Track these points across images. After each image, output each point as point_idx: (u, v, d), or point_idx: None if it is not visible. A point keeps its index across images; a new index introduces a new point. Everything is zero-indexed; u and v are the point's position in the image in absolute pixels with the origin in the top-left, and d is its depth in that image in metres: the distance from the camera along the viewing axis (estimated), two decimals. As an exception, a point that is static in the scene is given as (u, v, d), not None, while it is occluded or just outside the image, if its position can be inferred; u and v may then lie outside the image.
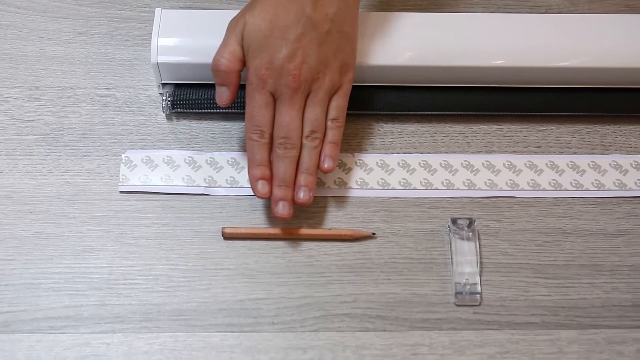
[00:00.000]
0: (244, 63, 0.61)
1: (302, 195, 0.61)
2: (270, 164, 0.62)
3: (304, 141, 0.62)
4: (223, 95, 0.63)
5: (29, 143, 0.66)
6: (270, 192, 0.61)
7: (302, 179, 0.61)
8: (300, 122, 0.62)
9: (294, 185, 0.61)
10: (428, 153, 0.68)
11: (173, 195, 0.65)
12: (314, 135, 0.62)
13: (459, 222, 0.63)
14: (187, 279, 0.60)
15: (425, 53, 0.67)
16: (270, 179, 0.61)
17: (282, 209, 0.61)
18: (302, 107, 0.62)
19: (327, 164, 0.62)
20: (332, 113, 0.63)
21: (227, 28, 0.62)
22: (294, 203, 0.61)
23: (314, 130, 0.62)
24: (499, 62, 0.67)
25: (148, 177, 0.65)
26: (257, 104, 0.61)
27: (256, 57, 0.60)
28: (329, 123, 0.63)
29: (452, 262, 0.61)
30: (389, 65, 0.67)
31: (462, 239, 0.62)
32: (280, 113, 0.61)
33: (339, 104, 0.63)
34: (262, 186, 0.61)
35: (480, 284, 0.60)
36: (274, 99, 0.61)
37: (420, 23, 0.68)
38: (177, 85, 0.69)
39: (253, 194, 0.62)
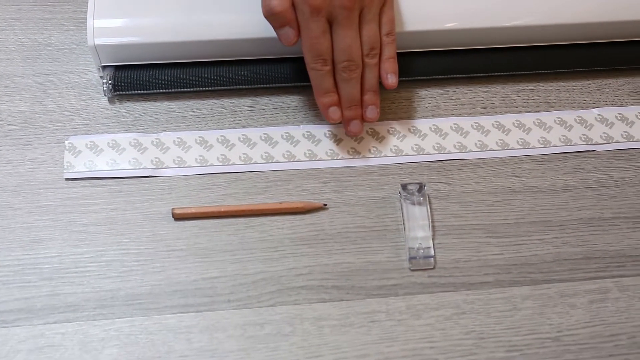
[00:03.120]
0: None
1: (370, 113, 0.64)
2: (336, 88, 0.63)
3: (365, 60, 0.63)
4: (289, 36, 0.61)
5: (-32, 135, 0.65)
6: (342, 115, 0.64)
7: (368, 97, 0.64)
8: (359, 42, 0.62)
9: (361, 102, 0.64)
10: (376, 121, 0.68)
11: (120, 179, 0.64)
12: (373, 52, 0.63)
13: (409, 187, 0.63)
14: (139, 262, 0.60)
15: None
16: (339, 104, 0.63)
17: (355, 126, 0.64)
18: (358, 25, 0.61)
19: (390, 80, 0.64)
20: (386, 28, 0.63)
21: None
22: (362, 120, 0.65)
23: (373, 47, 0.62)
24: (445, 26, 0.67)
25: (93, 162, 0.64)
26: (314, 32, 0.60)
27: None
28: (384, 38, 0.63)
29: (404, 228, 0.62)
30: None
31: (413, 204, 0.62)
32: (339, 36, 0.60)
33: (390, 16, 0.63)
34: (334, 112, 0.63)
35: (434, 248, 0.61)
36: (329, 23, 0.60)
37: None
38: (117, 67, 0.67)
39: (325, 120, 0.64)
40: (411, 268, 0.60)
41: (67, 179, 0.63)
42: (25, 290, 0.58)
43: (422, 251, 0.60)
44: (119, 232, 0.61)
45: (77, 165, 0.64)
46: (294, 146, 0.66)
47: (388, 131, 0.67)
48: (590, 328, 0.58)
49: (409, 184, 0.63)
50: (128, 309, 0.58)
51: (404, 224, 0.62)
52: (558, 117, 0.69)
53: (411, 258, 0.60)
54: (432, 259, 0.60)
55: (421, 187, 0.63)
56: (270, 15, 0.60)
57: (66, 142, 0.65)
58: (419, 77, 0.70)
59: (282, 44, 0.61)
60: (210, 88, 0.68)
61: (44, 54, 0.70)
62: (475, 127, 0.68)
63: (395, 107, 0.69)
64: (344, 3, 0.59)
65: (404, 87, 0.69)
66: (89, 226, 0.61)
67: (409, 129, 0.67)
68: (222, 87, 0.68)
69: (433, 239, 0.61)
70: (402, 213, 0.62)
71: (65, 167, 0.64)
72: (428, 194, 0.63)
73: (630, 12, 0.69)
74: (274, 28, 0.61)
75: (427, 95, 0.70)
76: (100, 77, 0.67)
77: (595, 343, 0.58)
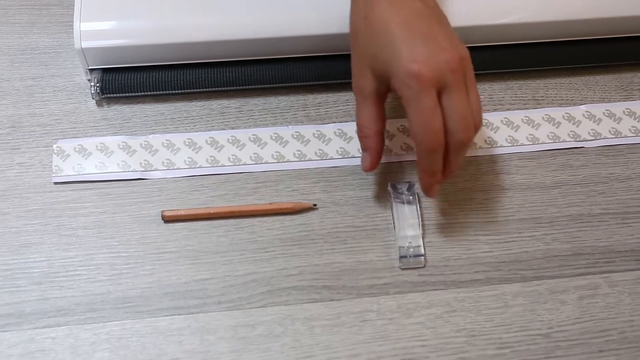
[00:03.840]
0: (381, 103, 0.59)
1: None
2: None
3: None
4: (366, 164, 0.60)
5: (-45, 140, 0.65)
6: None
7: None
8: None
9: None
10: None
11: (109, 182, 0.63)
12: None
13: (399, 186, 0.63)
14: (129, 265, 0.60)
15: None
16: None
17: (436, 190, 0.59)
18: None
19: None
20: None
21: (353, 88, 0.59)
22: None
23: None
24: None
25: (82, 165, 0.64)
26: (427, 107, 0.53)
27: (398, 62, 0.53)
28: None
29: (394, 227, 0.62)
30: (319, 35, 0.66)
31: (403, 203, 0.62)
32: (453, 102, 0.54)
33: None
34: (436, 189, 0.59)
35: (424, 246, 0.61)
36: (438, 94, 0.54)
37: None
38: (105, 70, 0.67)
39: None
40: (401, 267, 0.60)
41: (55, 183, 0.63)
42: (15, 295, 0.58)
43: (412, 250, 0.61)
44: (109, 235, 0.61)
45: (66, 168, 0.64)
46: (283, 147, 0.66)
47: (377, 130, 0.67)
48: (581, 324, 0.59)
49: (399, 182, 0.63)
50: (118, 312, 0.58)
51: (394, 223, 0.62)
52: (546, 114, 0.69)
53: (401, 257, 0.60)
54: (422, 257, 0.60)
55: (411, 186, 0.63)
56: (358, 136, 0.60)
57: (54, 145, 0.65)
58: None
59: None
60: (198, 90, 0.68)
61: (31, 58, 0.70)
62: (463, 125, 0.68)
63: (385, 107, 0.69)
64: (452, 66, 0.53)
65: (392, 86, 0.70)
66: (78, 230, 0.61)
67: (398, 128, 0.67)
68: (211, 89, 0.68)
69: (423, 238, 0.61)
70: (392, 212, 0.62)
71: (54, 170, 0.63)
72: (417, 193, 0.63)
73: (616, 9, 0.69)
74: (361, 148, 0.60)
75: (415, 94, 0.70)
76: (88, 80, 0.67)
77: (586, 339, 0.58)
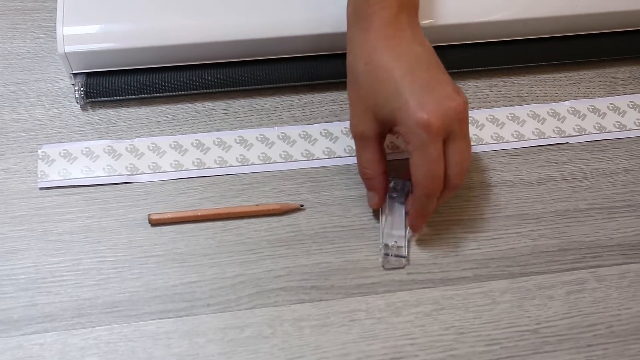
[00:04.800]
0: (381, 144, 0.59)
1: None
2: None
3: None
4: (373, 202, 0.61)
5: (-61, 147, 0.64)
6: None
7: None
8: None
9: None
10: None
11: (95, 187, 0.63)
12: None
13: (392, 184, 0.62)
14: (117, 269, 0.59)
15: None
16: None
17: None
18: None
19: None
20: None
21: (352, 130, 0.59)
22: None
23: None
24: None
25: (68, 170, 0.64)
26: (433, 156, 0.54)
27: (406, 111, 0.54)
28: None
29: (381, 224, 0.61)
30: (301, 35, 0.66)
31: (394, 201, 0.62)
32: (457, 150, 0.56)
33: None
34: (423, 228, 0.61)
35: (408, 247, 0.61)
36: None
37: None
38: (89, 74, 0.67)
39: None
40: (384, 266, 0.60)
41: (41, 188, 0.63)
42: (2, 302, 0.58)
43: (394, 250, 0.60)
44: (95, 239, 0.61)
45: (51, 174, 0.63)
46: (269, 148, 0.66)
47: (363, 130, 0.67)
48: (569, 319, 0.59)
49: (393, 179, 0.62)
50: (107, 316, 0.57)
51: (381, 220, 0.62)
52: (531, 111, 0.69)
53: (385, 254, 0.60)
54: (404, 259, 0.60)
55: (405, 185, 0.62)
56: (362, 177, 0.61)
57: (39, 151, 0.64)
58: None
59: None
60: (183, 92, 0.68)
61: (14, 63, 0.69)
62: (449, 123, 0.68)
63: (369, 106, 0.69)
64: (460, 115, 0.55)
65: (378, 85, 0.70)
66: (64, 235, 0.61)
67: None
68: (196, 91, 0.68)
69: (407, 240, 0.61)
70: (381, 210, 0.62)
71: (39, 176, 0.63)
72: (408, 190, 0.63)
73: (599, 5, 0.69)
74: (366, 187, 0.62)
75: (400, 93, 0.70)
76: (72, 84, 0.67)
77: (574, 334, 0.58)
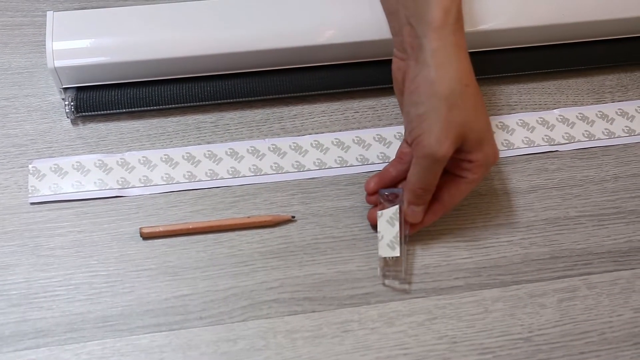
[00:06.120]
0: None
1: None
2: None
3: None
4: (420, 214, 0.61)
5: None
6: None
7: None
8: None
9: None
10: (340, 131, 0.68)
11: (86, 201, 0.63)
12: None
13: (387, 193, 0.61)
14: (109, 284, 0.59)
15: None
16: None
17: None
18: None
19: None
20: None
21: (429, 150, 0.55)
22: None
23: None
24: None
25: (58, 185, 0.63)
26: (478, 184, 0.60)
27: (492, 145, 0.59)
28: None
29: (379, 236, 0.61)
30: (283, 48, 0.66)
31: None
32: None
33: None
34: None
35: (404, 265, 0.61)
36: None
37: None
38: (79, 89, 0.67)
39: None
40: (385, 284, 0.60)
41: (32, 203, 0.63)
42: (-6, 318, 0.57)
43: (392, 274, 0.60)
44: (87, 254, 0.61)
45: (42, 188, 0.63)
46: (260, 160, 0.66)
47: (353, 140, 0.67)
48: (561, 327, 0.59)
49: (387, 190, 0.62)
50: (99, 331, 0.57)
51: (379, 232, 0.61)
52: (520, 119, 0.70)
53: (383, 275, 0.60)
54: (405, 283, 0.60)
55: (397, 196, 0.61)
56: (412, 193, 0.59)
57: (30, 166, 0.64)
58: (380, 86, 0.70)
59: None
60: (173, 105, 0.68)
61: (4, 78, 0.69)
62: (439, 132, 0.68)
63: (359, 117, 0.69)
64: (497, 158, 0.60)
65: (368, 96, 0.70)
66: (56, 250, 0.61)
67: (374, 137, 0.68)
68: (186, 104, 0.68)
69: (403, 254, 0.60)
70: (379, 221, 0.61)
71: (30, 191, 0.63)
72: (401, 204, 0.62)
73: (586, 14, 0.70)
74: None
75: (390, 104, 0.70)
76: (62, 99, 0.67)
77: (566, 341, 0.58)
